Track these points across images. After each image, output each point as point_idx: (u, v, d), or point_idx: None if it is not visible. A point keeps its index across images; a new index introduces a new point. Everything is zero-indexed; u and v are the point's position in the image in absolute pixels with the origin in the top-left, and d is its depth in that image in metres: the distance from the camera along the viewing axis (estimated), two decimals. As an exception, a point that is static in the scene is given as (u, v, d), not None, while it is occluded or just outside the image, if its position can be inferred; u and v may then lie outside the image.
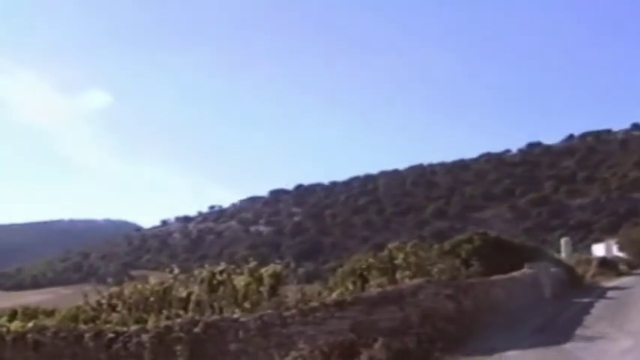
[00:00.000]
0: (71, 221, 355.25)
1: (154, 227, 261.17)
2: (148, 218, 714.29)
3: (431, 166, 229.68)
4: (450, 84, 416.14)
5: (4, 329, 22.98)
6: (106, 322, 21.84)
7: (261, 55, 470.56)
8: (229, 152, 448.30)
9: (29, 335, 21.16)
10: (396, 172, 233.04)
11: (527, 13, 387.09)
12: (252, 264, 22.69)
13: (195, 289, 22.25)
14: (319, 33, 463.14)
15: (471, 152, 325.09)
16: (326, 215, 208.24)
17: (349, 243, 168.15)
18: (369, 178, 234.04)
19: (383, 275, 24.39)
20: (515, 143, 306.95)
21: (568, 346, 18.48)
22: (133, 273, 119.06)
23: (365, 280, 24.82)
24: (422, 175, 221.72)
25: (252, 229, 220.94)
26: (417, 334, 17.90)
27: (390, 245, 27.02)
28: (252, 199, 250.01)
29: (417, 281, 20.45)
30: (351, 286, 24.71)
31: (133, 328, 19.81)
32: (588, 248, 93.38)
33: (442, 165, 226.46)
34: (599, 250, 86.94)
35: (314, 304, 18.69)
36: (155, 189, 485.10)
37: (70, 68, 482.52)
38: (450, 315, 19.61)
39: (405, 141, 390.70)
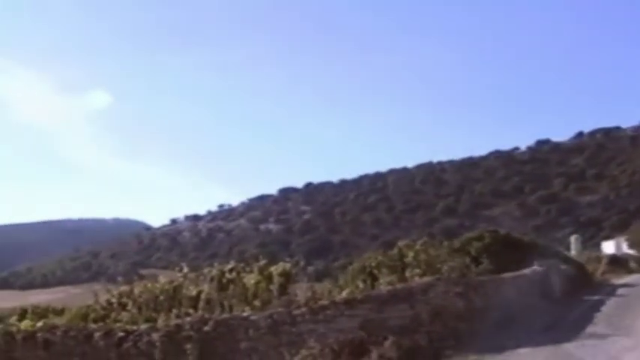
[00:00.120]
0: (80, 220, 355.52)
1: (164, 226, 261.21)
2: (157, 217, 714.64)
3: (440, 163, 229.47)
4: (459, 82, 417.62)
5: (15, 328, 23.05)
6: (116, 321, 21.88)
7: (262, 55, 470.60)
8: (230, 152, 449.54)
9: (39, 334, 21.19)
10: (405, 170, 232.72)
11: (538, 10, 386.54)
12: (262, 262, 22.72)
13: (205, 287, 22.27)
14: (319, 33, 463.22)
15: (480, 150, 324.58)
16: (335, 213, 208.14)
17: (359, 241, 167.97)
18: (378, 176, 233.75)
19: (393, 273, 24.34)
20: (524, 141, 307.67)
21: (578, 343, 18.42)
22: (143, 272, 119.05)
23: (375, 278, 24.78)
24: (431, 173, 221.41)
25: (262, 227, 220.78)
26: (427, 332, 17.87)
27: (400, 243, 26.99)
28: (262, 198, 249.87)
29: (427, 279, 20.40)
30: (361, 285, 24.67)
31: (143, 326, 19.83)
32: (598, 246, 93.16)
33: (451, 163, 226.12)
34: (609, 247, 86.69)
35: (324, 302, 18.68)
36: (155, 189, 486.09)
37: (71, 68, 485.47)
38: (460, 313, 19.56)
39: (415, 139, 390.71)
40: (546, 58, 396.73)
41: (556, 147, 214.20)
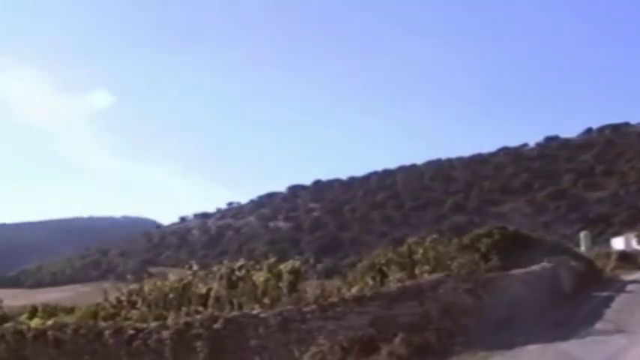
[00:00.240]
0: (90, 218, 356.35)
1: (173, 224, 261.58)
2: (166, 215, 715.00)
3: (449, 160, 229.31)
4: (467, 79, 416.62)
5: (25, 327, 23.14)
6: (126, 319, 21.95)
7: (262, 55, 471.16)
8: (231, 152, 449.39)
9: (49, 332, 21.29)
10: (414, 167, 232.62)
11: (548, 4, 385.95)
12: (272, 260, 22.75)
13: (215, 285, 22.31)
14: (319, 33, 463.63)
15: (488, 146, 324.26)
16: (345, 210, 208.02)
17: (368, 238, 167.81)
18: (387, 174, 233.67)
19: (402, 270, 24.37)
20: (533, 137, 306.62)
21: (588, 340, 18.42)
22: (152, 270, 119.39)
23: (384, 275, 24.79)
24: (440, 170, 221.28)
25: (271, 224, 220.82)
26: (436, 329, 17.88)
27: (409, 240, 27.00)
28: (271, 195, 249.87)
29: (436, 276, 20.41)
30: (370, 282, 24.68)
31: (153, 324, 19.90)
32: (607, 242, 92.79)
33: (460, 159, 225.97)
34: (618, 243, 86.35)
35: (333, 299, 18.72)
36: (156, 188, 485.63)
37: (71, 68, 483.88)
38: (469, 310, 19.55)
39: (423, 137, 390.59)
40: (554, 55, 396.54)
41: (565, 143, 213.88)
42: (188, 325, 19.01)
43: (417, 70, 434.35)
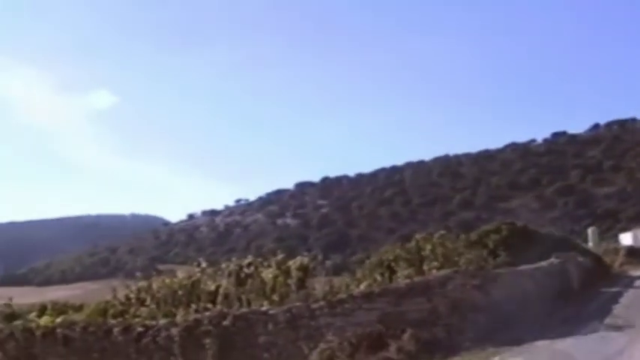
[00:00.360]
0: (98, 216, 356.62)
1: (181, 221, 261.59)
2: (174, 212, 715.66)
3: (457, 156, 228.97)
4: (475, 76, 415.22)
5: (34, 324, 23.22)
6: (135, 316, 22.01)
7: (262, 55, 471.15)
8: (232, 152, 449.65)
9: (58, 330, 21.35)
10: (421, 164, 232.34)
11: (550, 5, 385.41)
12: (280, 257, 22.78)
13: (223, 282, 22.37)
14: (319, 33, 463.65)
15: (496, 142, 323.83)
16: (352, 207, 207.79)
17: (376, 235, 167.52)
18: (395, 170, 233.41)
19: (410, 266, 24.39)
20: (540, 133, 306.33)
21: (597, 335, 18.43)
22: (161, 267, 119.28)
23: (392, 272, 24.83)
24: (448, 166, 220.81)
25: (279, 221, 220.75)
26: (445, 325, 17.89)
27: (417, 236, 27.00)
28: (279, 192, 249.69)
29: (444, 272, 20.40)
30: (378, 278, 24.73)
31: (162, 321, 19.95)
32: (615, 237, 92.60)
33: (468, 155, 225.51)
34: (626, 239, 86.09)
35: (342, 295, 18.74)
36: (156, 188, 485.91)
37: (72, 68, 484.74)
38: (477, 306, 19.54)
39: (431, 134, 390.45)
40: (563, 51, 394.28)
41: (572, 139, 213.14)
42: (197, 322, 19.05)
43: (418, 69, 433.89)
